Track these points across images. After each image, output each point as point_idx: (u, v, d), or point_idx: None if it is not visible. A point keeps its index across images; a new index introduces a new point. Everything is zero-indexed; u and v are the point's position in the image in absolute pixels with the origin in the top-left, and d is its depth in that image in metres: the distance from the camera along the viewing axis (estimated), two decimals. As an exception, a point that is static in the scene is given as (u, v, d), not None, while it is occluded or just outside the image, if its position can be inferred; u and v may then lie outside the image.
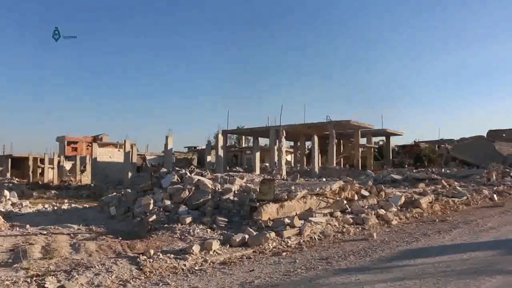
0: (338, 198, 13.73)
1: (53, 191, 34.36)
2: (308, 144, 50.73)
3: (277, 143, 40.27)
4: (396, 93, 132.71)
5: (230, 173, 20.18)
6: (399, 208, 14.28)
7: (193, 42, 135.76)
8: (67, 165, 59.46)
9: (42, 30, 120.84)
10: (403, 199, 15.04)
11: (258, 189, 12.63)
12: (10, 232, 11.04)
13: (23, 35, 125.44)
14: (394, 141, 55.57)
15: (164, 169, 17.26)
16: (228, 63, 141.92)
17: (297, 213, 11.90)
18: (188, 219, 11.31)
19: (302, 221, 10.99)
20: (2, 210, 16.25)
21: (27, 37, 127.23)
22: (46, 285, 6.16)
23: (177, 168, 17.00)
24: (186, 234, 10.16)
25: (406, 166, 43.13)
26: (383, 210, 13.36)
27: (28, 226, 11.88)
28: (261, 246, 9.17)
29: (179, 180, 14.47)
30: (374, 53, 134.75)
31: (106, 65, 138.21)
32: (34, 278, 6.49)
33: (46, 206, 19.75)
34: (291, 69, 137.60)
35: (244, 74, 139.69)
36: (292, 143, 57.15)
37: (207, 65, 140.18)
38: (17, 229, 11.57)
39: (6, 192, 22.96)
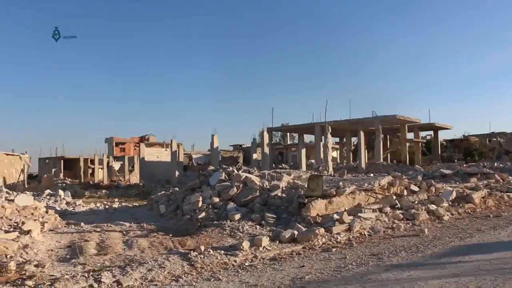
0: (387, 194, 13.54)
1: (103, 191, 35.23)
2: (354, 140, 50.18)
3: (323, 140, 39.98)
4: (444, 86, 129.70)
5: (277, 170, 20.16)
6: (450, 203, 13.95)
7: (234, 41, 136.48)
8: (116, 165, 60.93)
9: (87, 37, 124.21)
10: (454, 194, 14.67)
11: (306, 185, 12.58)
12: (66, 230, 11.41)
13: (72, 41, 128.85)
14: (442, 135, 54.16)
15: (211, 167, 17.39)
16: (272, 60, 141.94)
17: (346, 209, 11.79)
18: (237, 216, 11.38)
19: (351, 217, 10.91)
20: (58, 208, 16.83)
21: (75, 42, 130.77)
22: (102, 280, 6.33)
23: (224, 166, 17.12)
24: (236, 231, 10.23)
25: (455, 160, 42.04)
26: (434, 206, 13.08)
27: (82, 224, 12.25)
28: (310, 242, 9.16)
29: (227, 178, 14.57)
30: (421, 47, 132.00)
31: (150, 67, 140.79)
32: (91, 273, 6.69)
33: (98, 205, 20.36)
34: (335, 65, 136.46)
35: (288, 71, 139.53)
36: (337, 139, 56.64)
37: (250, 62, 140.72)
38: (73, 226, 11.94)
39: (61, 192, 23.88)
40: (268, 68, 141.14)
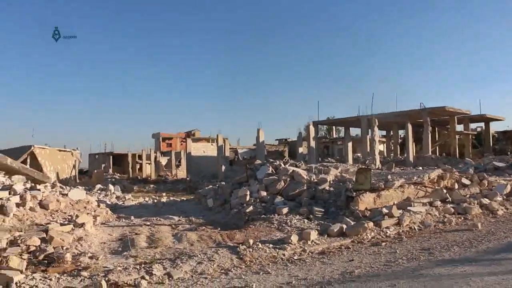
0: (437, 187, 13.24)
1: (151, 185, 35.84)
2: (401, 133, 49.22)
3: (370, 133, 39.40)
4: (495, 75, 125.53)
5: (324, 163, 20.00)
6: (504, 197, 13.53)
7: (275, 34, 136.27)
8: (163, 161, 61.93)
9: (137, 37, 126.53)
10: (508, 187, 14.19)
11: (354, 179, 12.45)
12: (117, 223, 11.70)
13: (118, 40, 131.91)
14: (494, 127, 52.20)
15: (258, 161, 17.42)
16: (316, 55, 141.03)
17: (395, 202, 11.61)
18: (285, 210, 11.38)
19: (400, 211, 10.74)
20: (109, 202, 17.26)
21: (124, 41, 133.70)
22: (153, 272, 6.45)
23: (271, 160, 17.12)
24: (284, 225, 10.24)
25: (508, 153, 40.58)
26: (487, 200, 12.70)
27: (132, 217, 12.53)
28: (359, 236, 9.07)
29: (274, 172, 14.57)
30: (472, 36, 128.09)
31: (194, 65, 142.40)
32: (142, 265, 6.85)
33: (147, 199, 20.76)
34: (381, 56, 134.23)
35: (333, 64, 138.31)
36: (384, 133, 55.64)
37: (295, 56, 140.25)
38: (123, 220, 12.24)
39: (111, 187, 24.49)
40: (313, 62, 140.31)
